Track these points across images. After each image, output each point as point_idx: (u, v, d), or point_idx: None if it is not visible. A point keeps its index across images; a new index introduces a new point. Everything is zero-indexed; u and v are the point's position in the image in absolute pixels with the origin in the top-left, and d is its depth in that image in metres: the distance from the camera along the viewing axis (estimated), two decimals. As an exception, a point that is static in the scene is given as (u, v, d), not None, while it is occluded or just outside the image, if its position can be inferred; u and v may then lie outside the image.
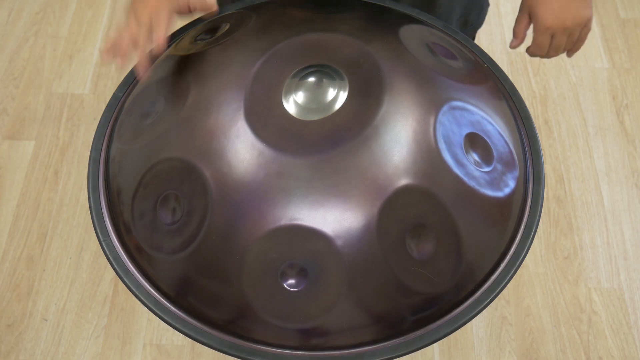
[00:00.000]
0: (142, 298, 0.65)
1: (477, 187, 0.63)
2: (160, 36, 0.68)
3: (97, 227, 0.68)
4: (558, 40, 0.81)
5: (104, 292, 1.36)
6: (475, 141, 0.65)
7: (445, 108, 0.64)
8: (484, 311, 1.32)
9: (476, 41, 0.76)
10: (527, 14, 0.83)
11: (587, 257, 1.44)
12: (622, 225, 1.48)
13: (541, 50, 0.84)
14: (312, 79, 0.64)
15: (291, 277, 0.60)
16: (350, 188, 0.59)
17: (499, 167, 0.66)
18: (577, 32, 0.81)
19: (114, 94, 0.76)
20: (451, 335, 1.32)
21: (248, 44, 0.68)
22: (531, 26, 0.84)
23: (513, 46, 0.86)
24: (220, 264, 0.61)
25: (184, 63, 0.70)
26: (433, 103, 0.63)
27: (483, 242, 0.65)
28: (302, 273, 0.60)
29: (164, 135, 0.65)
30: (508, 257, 0.67)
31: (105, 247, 0.67)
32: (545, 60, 1.73)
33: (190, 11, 0.74)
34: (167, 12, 0.69)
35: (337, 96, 0.63)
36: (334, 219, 0.59)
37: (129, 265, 0.66)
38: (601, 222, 1.48)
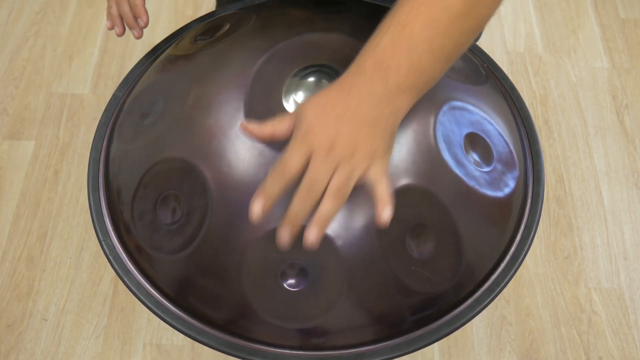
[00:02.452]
0: (142, 298, 0.65)
1: (477, 187, 0.63)
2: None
3: (97, 227, 0.68)
4: (314, 167, 0.52)
5: (104, 292, 1.36)
6: (475, 141, 0.65)
7: (445, 108, 0.64)
8: (484, 311, 1.32)
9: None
10: (292, 118, 0.55)
11: (587, 257, 1.44)
12: (622, 225, 1.48)
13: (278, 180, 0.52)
14: (312, 79, 0.64)
15: (291, 277, 0.60)
16: (350, 188, 0.59)
17: (499, 167, 0.66)
18: (349, 172, 0.52)
19: (114, 94, 0.76)
20: (451, 335, 1.32)
21: (248, 44, 0.68)
22: None
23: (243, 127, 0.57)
24: (220, 264, 0.61)
25: (184, 63, 0.70)
26: (433, 103, 0.63)
27: (483, 242, 0.65)
28: (302, 273, 0.60)
29: (164, 135, 0.65)
30: (508, 257, 0.67)
31: (105, 247, 0.67)
32: (545, 60, 1.73)
33: None
34: None
35: (337, 96, 0.63)
36: (334, 219, 0.59)
37: (129, 265, 0.66)
38: (601, 222, 1.48)
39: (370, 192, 0.53)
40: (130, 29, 0.75)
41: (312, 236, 0.52)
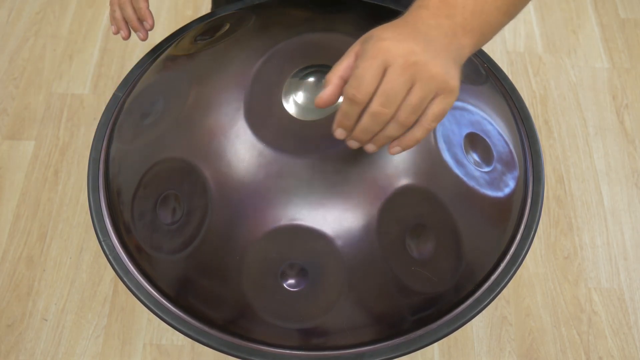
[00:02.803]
0: (142, 298, 0.65)
1: (477, 187, 0.63)
2: (141, 2, 0.72)
3: (97, 227, 0.68)
4: (390, 83, 0.48)
5: (104, 292, 1.36)
6: (475, 141, 0.65)
7: (445, 108, 0.64)
8: (484, 311, 1.32)
9: None
10: (357, 46, 0.52)
11: (587, 257, 1.44)
12: (622, 225, 1.48)
13: (357, 91, 0.48)
14: (312, 79, 0.64)
15: (291, 277, 0.60)
16: (350, 188, 0.59)
17: (498, 167, 0.66)
18: (423, 95, 0.48)
19: (114, 94, 0.76)
20: (451, 335, 1.32)
21: (248, 44, 0.68)
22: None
23: (318, 101, 0.51)
24: (220, 264, 0.61)
25: (184, 63, 0.70)
26: (433, 103, 0.63)
27: (483, 242, 0.65)
28: (302, 273, 0.60)
29: (164, 135, 0.65)
30: (508, 257, 0.67)
31: (105, 247, 0.67)
32: (545, 60, 1.73)
33: None
34: None
35: (337, 96, 0.63)
36: (334, 219, 0.59)
37: (129, 265, 0.66)
38: (601, 222, 1.48)
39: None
40: (135, 31, 0.74)
41: (371, 148, 0.51)
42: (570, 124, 1.63)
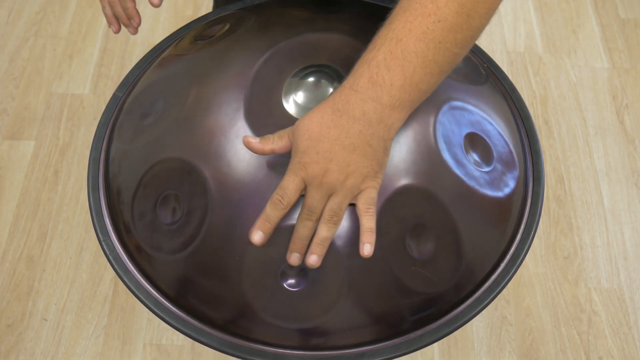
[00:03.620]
0: (142, 298, 0.65)
1: (477, 187, 0.63)
2: (128, 2, 0.77)
3: (97, 227, 0.68)
4: (310, 199, 0.56)
5: (104, 292, 1.36)
6: (475, 141, 0.65)
7: (445, 108, 0.64)
8: (484, 311, 1.32)
9: (476, 41, 0.65)
10: (289, 136, 0.58)
11: (587, 257, 1.44)
12: (622, 225, 1.48)
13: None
14: (312, 79, 0.64)
15: (291, 277, 0.60)
16: (350, 188, 0.59)
17: (498, 167, 0.66)
18: (341, 201, 0.56)
19: (114, 94, 0.76)
20: (451, 335, 1.32)
21: (248, 44, 0.68)
22: None
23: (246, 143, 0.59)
24: (220, 264, 0.61)
25: (184, 63, 0.70)
26: (433, 103, 0.63)
27: (483, 242, 0.65)
28: (302, 273, 0.60)
29: (164, 135, 0.65)
30: (508, 257, 0.67)
31: (105, 247, 0.67)
32: (545, 60, 1.73)
33: None
34: None
35: (337, 96, 0.63)
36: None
37: (129, 265, 0.66)
38: (601, 222, 1.48)
39: (359, 220, 0.57)
40: (126, 27, 0.80)
41: (313, 260, 0.57)
42: (570, 124, 1.63)
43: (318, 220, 0.57)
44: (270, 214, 0.57)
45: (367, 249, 0.56)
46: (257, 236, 0.57)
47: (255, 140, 0.58)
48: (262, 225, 0.57)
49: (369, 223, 0.56)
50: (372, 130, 0.55)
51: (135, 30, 0.80)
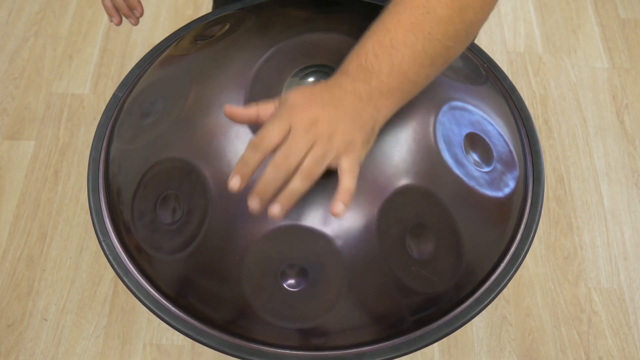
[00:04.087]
0: (142, 298, 0.65)
1: (477, 187, 0.63)
2: None
3: (97, 227, 0.68)
4: (291, 141, 0.52)
5: (104, 292, 1.36)
6: (475, 141, 0.65)
7: (445, 108, 0.64)
8: (484, 311, 1.32)
9: (476, 41, 0.64)
10: (275, 103, 0.57)
11: (587, 257, 1.44)
12: (622, 225, 1.48)
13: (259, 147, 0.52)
14: (312, 79, 0.64)
15: (291, 277, 0.60)
16: (350, 188, 0.59)
17: (498, 167, 0.66)
18: (323, 152, 0.53)
19: (114, 94, 0.76)
20: (451, 335, 1.32)
21: (248, 44, 0.68)
22: None
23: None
24: (220, 264, 0.61)
25: (184, 63, 0.70)
26: (433, 103, 0.63)
27: (483, 242, 0.65)
28: (302, 273, 0.60)
29: (164, 135, 0.65)
30: (508, 257, 0.67)
31: (105, 247, 0.67)
32: (545, 60, 1.73)
33: None
34: None
35: (337, 96, 0.63)
36: (334, 219, 0.59)
37: (129, 265, 0.66)
38: (601, 222, 1.48)
39: (338, 180, 0.53)
40: (127, 17, 0.80)
41: (276, 210, 0.52)
42: (570, 124, 1.63)
43: (290, 172, 0.52)
44: (249, 156, 0.52)
45: (339, 207, 0.51)
46: (234, 180, 0.52)
47: (237, 108, 0.55)
48: (240, 169, 0.52)
49: (348, 182, 0.52)
50: (363, 106, 0.55)
51: (136, 21, 0.80)
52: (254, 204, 0.52)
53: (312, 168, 0.52)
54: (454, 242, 0.62)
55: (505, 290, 1.38)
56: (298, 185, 0.52)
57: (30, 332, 1.31)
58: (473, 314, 0.64)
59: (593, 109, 1.65)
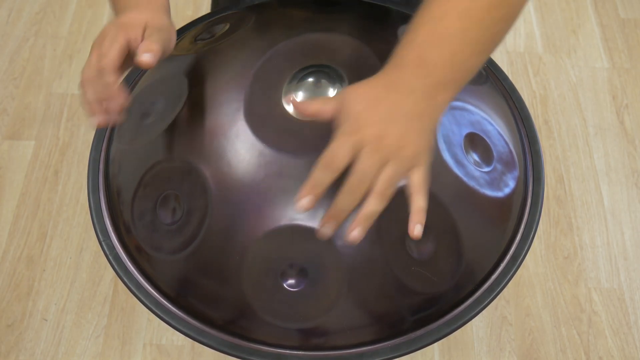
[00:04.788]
0: (142, 298, 0.65)
1: (477, 187, 0.63)
2: (109, 77, 0.56)
3: (97, 227, 0.68)
4: (363, 164, 0.50)
5: (104, 292, 1.36)
6: (475, 141, 0.65)
7: (445, 108, 0.64)
8: (484, 311, 1.32)
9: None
10: (335, 104, 0.54)
11: (587, 257, 1.44)
12: (622, 225, 1.48)
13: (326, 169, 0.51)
14: (311, 79, 0.64)
15: (291, 277, 0.60)
16: (350, 188, 0.59)
17: (498, 167, 0.66)
18: (395, 173, 0.51)
19: (114, 94, 0.76)
20: (451, 335, 1.32)
21: (248, 44, 0.68)
22: None
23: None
24: (220, 264, 0.61)
25: (184, 63, 0.70)
26: (433, 103, 0.63)
27: (483, 242, 0.65)
28: (302, 273, 0.60)
29: (164, 135, 0.65)
30: (508, 257, 0.67)
31: (105, 247, 0.67)
32: (545, 60, 1.73)
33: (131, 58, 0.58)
34: (109, 45, 0.57)
35: (337, 96, 0.63)
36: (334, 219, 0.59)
37: (129, 265, 0.66)
38: (601, 222, 1.48)
39: (408, 199, 0.53)
40: (92, 113, 0.57)
41: (356, 234, 0.51)
42: (570, 124, 1.63)
43: (364, 194, 0.51)
44: (320, 177, 0.51)
45: (417, 229, 0.51)
46: (305, 201, 0.51)
47: (300, 101, 0.54)
48: (311, 190, 0.51)
49: (420, 202, 0.52)
50: (422, 108, 0.53)
51: (116, 118, 0.57)
52: (327, 229, 0.52)
53: (387, 189, 0.51)
54: (454, 242, 0.62)
55: (505, 290, 1.38)
56: (375, 207, 0.51)
57: (30, 332, 1.31)
58: (473, 314, 0.64)
59: (593, 109, 1.65)
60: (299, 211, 0.51)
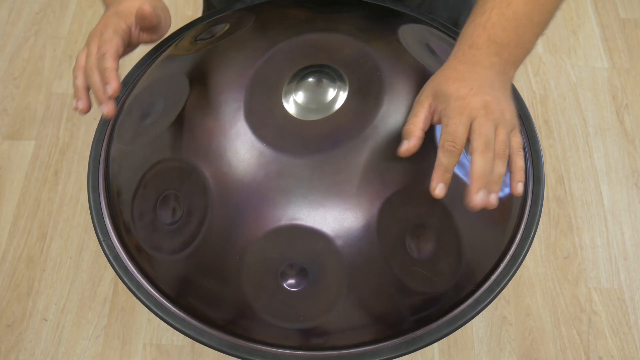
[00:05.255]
0: (142, 298, 0.65)
1: (477, 187, 0.63)
2: (109, 62, 0.59)
3: (97, 227, 0.68)
4: (483, 129, 0.54)
5: (104, 292, 1.36)
6: (475, 141, 0.65)
7: (445, 108, 0.64)
8: (484, 311, 1.32)
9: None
10: (429, 99, 0.58)
11: (587, 257, 1.44)
12: (622, 225, 1.48)
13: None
14: (312, 79, 0.64)
15: (291, 277, 0.60)
16: (350, 188, 0.59)
17: (499, 167, 0.66)
18: (506, 132, 0.56)
19: (114, 94, 0.76)
20: (451, 335, 1.32)
21: (248, 44, 0.68)
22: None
23: (403, 151, 0.57)
24: (220, 264, 0.61)
25: (184, 63, 0.70)
26: (433, 103, 0.63)
27: (483, 242, 0.65)
28: (302, 273, 0.60)
29: (164, 135, 0.65)
30: (508, 257, 0.67)
31: (105, 247, 0.67)
32: (545, 60, 1.73)
33: (135, 43, 0.66)
34: (113, 33, 0.61)
35: (337, 96, 0.63)
36: (334, 219, 0.59)
37: (129, 265, 0.66)
38: (601, 222, 1.48)
39: (509, 160, 0.56)
40: (99, 103, 0.60)
41: (494, 199, 0.54)
42: (570, 124, 1.63)
43: (494, 155, 0.54)
44: (447, 162, 0.54)
45: (519, 187, 0.56)
46: (439, 189, 0.53)
47: (409, 144, 0.57)
48: (442, 177, 0.54)
49: (521, 162, 0.57)
50: (501, 80, 0.59)
51: (109, 108, 0.59)
52: (478, 199, 0.53)
53: (505, 150, 0.55)
54: (454, 242, 0.62)
55: (505, 290, 1.38)
56: (502, 169, 0.55)
57: (30, 332, 1.31)
58: (473, 314, 0.64)
59: (593, 109, 1.65)
60: (437, 197, 0.54)
